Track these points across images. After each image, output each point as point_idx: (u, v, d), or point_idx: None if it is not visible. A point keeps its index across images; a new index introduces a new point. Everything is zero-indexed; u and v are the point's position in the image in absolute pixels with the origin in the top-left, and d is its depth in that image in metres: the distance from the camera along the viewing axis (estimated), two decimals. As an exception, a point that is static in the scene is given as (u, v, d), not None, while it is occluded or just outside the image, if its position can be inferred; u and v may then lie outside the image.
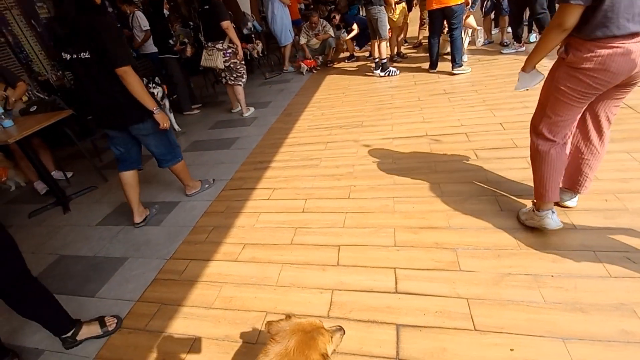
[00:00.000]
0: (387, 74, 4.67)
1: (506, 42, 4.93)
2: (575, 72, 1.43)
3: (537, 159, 1.67)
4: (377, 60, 4.76)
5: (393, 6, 4.80)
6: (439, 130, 2.99)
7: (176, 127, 4.29)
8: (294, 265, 1.84)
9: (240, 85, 4.21)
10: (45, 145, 3.30)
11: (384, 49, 4.60)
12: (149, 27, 4.46)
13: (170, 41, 4.41)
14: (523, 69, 1.65)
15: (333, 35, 6.06)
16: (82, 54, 1.94)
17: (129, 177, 2.38)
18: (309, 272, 1.77)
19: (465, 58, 4.69)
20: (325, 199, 2.36)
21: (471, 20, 4.46)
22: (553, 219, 1.66)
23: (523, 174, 2.18)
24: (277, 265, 1.85)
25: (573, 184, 1.77)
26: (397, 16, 5.07)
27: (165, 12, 4.30)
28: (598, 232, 1.67)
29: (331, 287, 1.65)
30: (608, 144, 1.67)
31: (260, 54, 6.46)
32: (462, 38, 4.27)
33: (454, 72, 4.32)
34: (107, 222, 2.60)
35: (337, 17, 6.17)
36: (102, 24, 1.89)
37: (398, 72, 4.70)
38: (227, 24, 3.75)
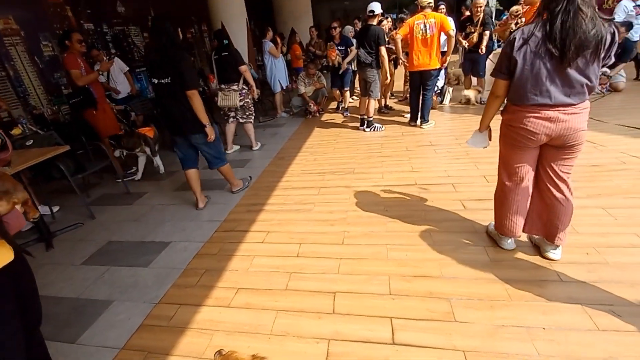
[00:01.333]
0: (372, 130, 4.87)
1: (483, 102, 5.37)
2: (507, 127, 1.84)
3: (497, 198, 2.05)
4: (364, 116, 4.94)
5: (387, 68, 4.86)
6: (428, 180, 3.14)
7: (162, 168, 4.28)
8: (288, 312, 1.81)
9: (251, 122, 4.63)
10: (31, 179, 3.24)
11: (372, 108, 4.83)
12: (128, 69, 5.31)
13: None
14: (479, 129, 2.04)
15: (325, 85, 6.48)
16: (164, 80, 2.60)
17: (191, 173, 3.03)
18: (304, 320, 1.74)
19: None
20: (320, 244, 2.38)
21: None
22: (508, 242, 2.07)
23: (509, 225, 2.30)
24: (272, 312, 1.81)
25: (548, 235, 1.92)
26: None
27: None
28: (583, 285, 1.75)
29: (327, 337, 1.62)
30: (572, 199, 1.82)
31: (256, 99, 6.76)
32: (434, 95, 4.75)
33: (422, 126, 4.71)
34: (92, 262, 2.51)
35: (337, 31, 5.45)
36: (183, 56, 2.57)
37: (383, 127, 4.89)
38: (244, 68, 4.17)
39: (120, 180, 3.90)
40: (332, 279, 2.02)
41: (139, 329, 1.83)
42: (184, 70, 2.53)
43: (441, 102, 5.68)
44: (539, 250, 2.02)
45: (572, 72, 1.55)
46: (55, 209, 3.44)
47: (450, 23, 4.35)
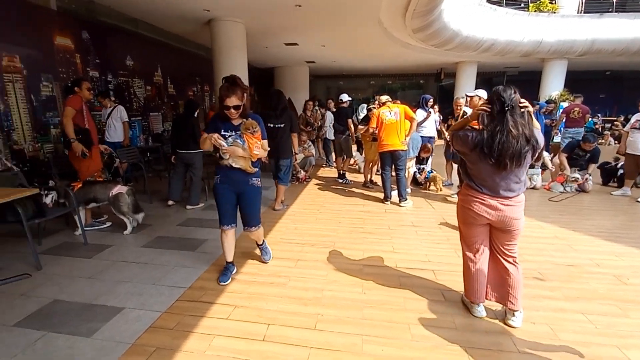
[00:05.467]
0: (344, 182, 6.30)
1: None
2: (461, 207, 2.21)
3: (463, 269, 2.33)
4: (342, 172, 6.44)
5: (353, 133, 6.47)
6: (408, 264, 3.06)
7: (129, 228, 3.81)
8: (243, 414, 1.55)
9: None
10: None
11: (347, 163, 6.58)
12: (127, 120, 5.89)
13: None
14: None
15: (314, 154, 6.74)
16: (279, 125, 4.34)
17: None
18: None
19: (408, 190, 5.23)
20: (290, 326, 2.18)
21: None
22: (479, 310, 2.28)
23: (489, 325, 2.19)
24: (224, 413, 1.55)
25: (503, 300, 2.20)
26: (372, 151, 5.77)
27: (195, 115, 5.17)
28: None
29: None
30: (520, 271, 2.16)
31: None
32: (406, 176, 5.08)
33: (401, 204, 4.88)
34: (28, 324, 2.18)
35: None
36: (292, 114, 4.53)
37: (352, 182, 6.38)
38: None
39: (79, 232, 3.63)
40: (299, 373, 1.79)
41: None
42: (293, 122, 4.49)
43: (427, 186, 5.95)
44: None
45: (505, 173, 1.97)
46: None
47: (411, 111, 4.85)
